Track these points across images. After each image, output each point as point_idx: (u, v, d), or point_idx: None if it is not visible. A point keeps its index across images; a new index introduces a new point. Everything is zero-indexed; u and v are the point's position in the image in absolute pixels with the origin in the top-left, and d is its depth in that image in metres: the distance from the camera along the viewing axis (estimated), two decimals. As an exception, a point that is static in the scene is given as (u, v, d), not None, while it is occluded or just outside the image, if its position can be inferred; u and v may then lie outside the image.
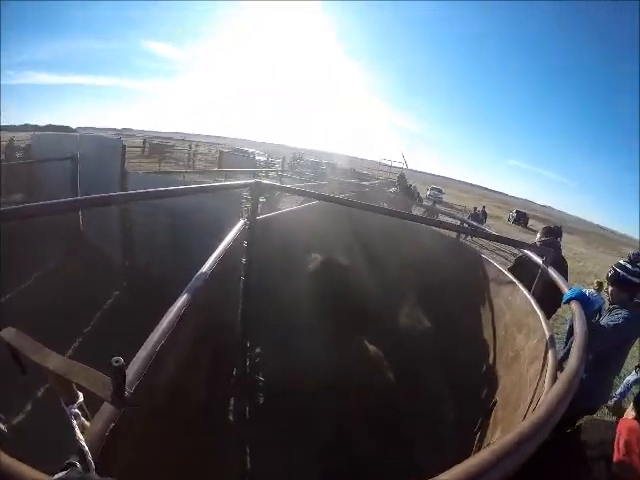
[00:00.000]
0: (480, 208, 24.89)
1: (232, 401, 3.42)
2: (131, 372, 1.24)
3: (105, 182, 6.05)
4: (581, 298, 2.37)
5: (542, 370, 2.00)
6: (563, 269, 4.98)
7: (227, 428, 3.23)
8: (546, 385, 1.74)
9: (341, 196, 5.50)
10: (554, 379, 1.75)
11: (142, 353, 1.35)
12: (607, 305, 3.79)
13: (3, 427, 1.81)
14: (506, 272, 3.67)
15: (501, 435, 2.16)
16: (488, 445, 2.15)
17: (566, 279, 4.97)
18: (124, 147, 6.44)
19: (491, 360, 3.24)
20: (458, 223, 6.52)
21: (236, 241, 2.88)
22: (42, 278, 5.79)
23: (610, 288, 3.65)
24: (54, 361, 0.99)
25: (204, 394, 2.58)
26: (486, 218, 23.87)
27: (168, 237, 5.18)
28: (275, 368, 3.57)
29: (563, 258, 5.19)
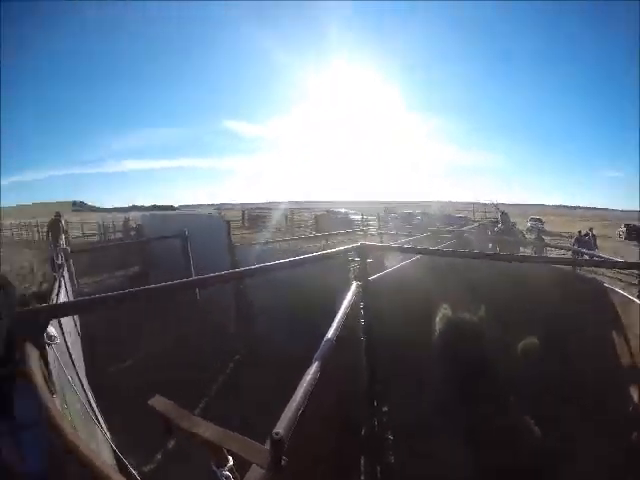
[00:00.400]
0: (584, 231, 22.95)
1: (362, 460, 3.37)
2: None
3: (214, 256, 6.46)
4: None
5: None
6: None
7: None
8: None
9: (442, 246, 5.46)
10: None
11: (282, 423, 1.37)
12: None
13: (135, 472, 1.93)
14: (635, 299, 3.42)
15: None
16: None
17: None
18: (228, 223, 6.89)
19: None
20: (567, 253, 6.16)
21: (353, 304, 2.89)
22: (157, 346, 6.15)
23: None
24: (204, 428, 1.09)
25: (338, 457, 2.60)
26: (595, 240, 21.66)
27: (281, 305, 5.29)
28: (404, 429, 3.50)
29: None
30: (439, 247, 5.56)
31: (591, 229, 23.30)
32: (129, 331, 5.98)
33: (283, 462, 1.13)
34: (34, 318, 1.64)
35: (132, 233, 15.54)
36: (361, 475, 3.30)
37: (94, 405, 2.54)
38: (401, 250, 3.73)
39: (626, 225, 44.29)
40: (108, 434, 2.33)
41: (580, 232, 22.74)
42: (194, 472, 1.94)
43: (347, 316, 2.70)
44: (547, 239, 14.51)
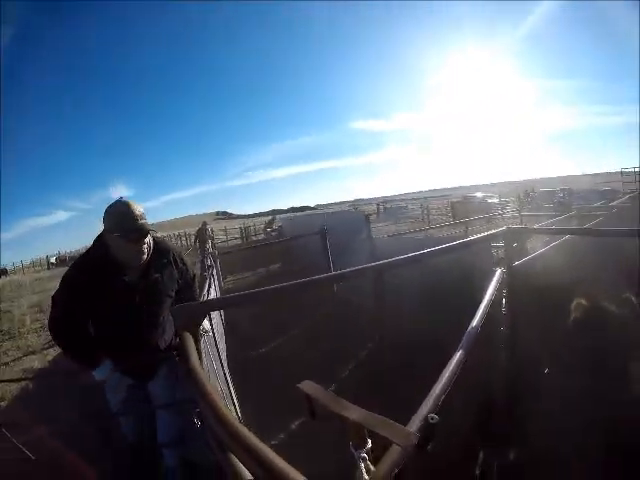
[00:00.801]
0: None
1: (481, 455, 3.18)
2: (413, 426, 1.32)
3: (353, 250, 6.63)
4: None
5: None
6: None
7: None
8: None
9: (592, 224, 5.02)
10: None
11: (423, 410, 1.40)
12: None
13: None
14: None
15: None
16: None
17: None
18: (367, 216, 7.05)
19: None
20: None
21: (496, 293, 2.78)
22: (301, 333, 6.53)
23: None
24: (352, 411, 1.11)
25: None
26: None
27: (419, 294, 5.27)
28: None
29: None
30: (588, 225, 5.13)
31: None
32: (271, 325, 6.42)
33: (429, 446, 1.16)
34: (193, 312, 1.81)
35: (273, 234, 16.77)
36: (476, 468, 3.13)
37: (232, 390, 2.71)
38: (551, 232, 3.48)
39: None
40: (241, 417, 2.51)
41: None
42: (328, 455, 2.00)
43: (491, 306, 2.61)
44: None
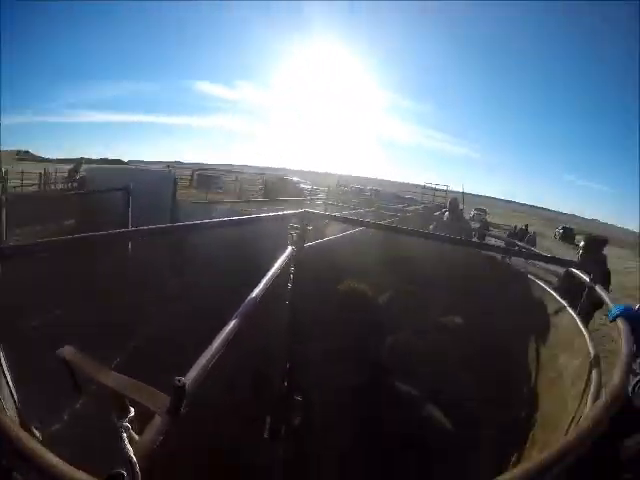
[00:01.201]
0: (521, 226, 23.77)
1: (268, 419, 3.45)
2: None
3: (156, 212, 6.30)
4: (628, 315, 2.22)
5: (584, 391, 1.98)
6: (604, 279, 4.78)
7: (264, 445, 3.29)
8: (588, 406, 1.75)
9: (384, 222, 5.53)
10: (596, 399, 1.73)
11: (192, 373, 1.39)
12: None
13: (38, 434, 1.91)
14: (552, 292, 3.57)
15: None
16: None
17: (607, 288, 4.81)
18: (175, 179, 6.73)
19: (533, 380, 3.18)
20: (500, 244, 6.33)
21: (284, 268, 2.96)
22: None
23: None
24: (111, 378, 1.09)
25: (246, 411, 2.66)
26: (526, 235, 21.97)
27: (218, 263, 5.29)
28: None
29: (606, 269, 4.94)
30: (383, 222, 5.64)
31: (526, 225, 24.18)
32: (52, 287, 5.73)
33: (183, 410, 1.15)
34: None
35: (75, 185, 14.51)
36: (265, 431, 3.39)
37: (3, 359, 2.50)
38: (341, 220, 3.79)
39: (563, 227, 47.02)
40: (14, 389, 2.32)
41: (516, 227, 23.53)
42: (99, 431, 1.93)
43: (279, 280, 2.78)
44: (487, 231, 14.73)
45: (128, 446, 0.99)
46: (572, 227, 49.58)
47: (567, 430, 1.88)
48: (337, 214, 4.24)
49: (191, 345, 1.84)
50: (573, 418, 1.92)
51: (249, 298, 2.18)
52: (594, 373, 1.99)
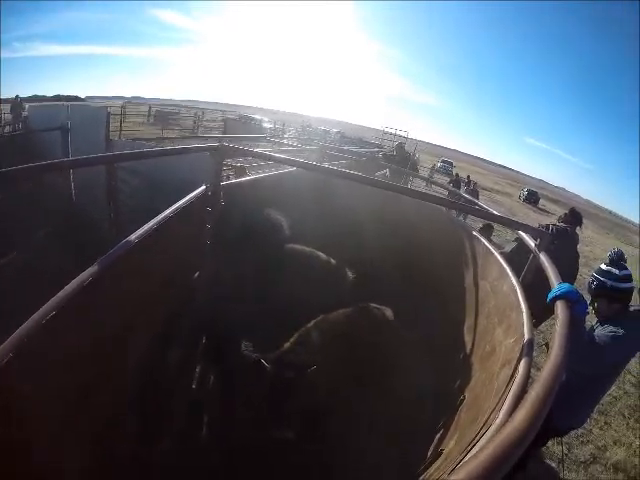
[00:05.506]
0: (464, 176, 21.73)
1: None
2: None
3: (92, 151, 6.10)
4: (570, 297, 1.79)
5: (511, 379, 1.63)
6: (573, 260, 4.61)
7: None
8: (508, 399, 1.41)
9: (327, 164, 5.07)
10: (519, 393, 1.43)
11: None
12: (594, 321, 3.07)
13: None
14: (496, 253, 3.19)
15: (454, 445, 1.90)
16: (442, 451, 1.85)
17: (574, 274, 4.56)
18: (108, 115, 6.65)
19: (468, 350, 2.88)
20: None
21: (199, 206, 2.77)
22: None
23: (596, 303, 2.98)
24: None
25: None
26: (467, 185, 19.10)
27: (145, 201, 5.04)
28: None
29: (575, 250, 4.73)
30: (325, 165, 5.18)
31: (468, 176, 21.64)
32: None
33: None
34: None
35: (18, 125, 13.89)
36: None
37: None
38: (262, 157, 3.37)
39: (528, 190, 48.28)
40: None
41: (457, 174, 21.48)
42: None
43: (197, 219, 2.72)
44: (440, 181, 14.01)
45: None
46: (537, 191, 50.86)
47: (485, 421, 1.59)
48: (261, 151, 3.80)
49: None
50: (492, 411, 1.60)
51: (123, 241, 1.89)
52: (523, 364, 1.61)
